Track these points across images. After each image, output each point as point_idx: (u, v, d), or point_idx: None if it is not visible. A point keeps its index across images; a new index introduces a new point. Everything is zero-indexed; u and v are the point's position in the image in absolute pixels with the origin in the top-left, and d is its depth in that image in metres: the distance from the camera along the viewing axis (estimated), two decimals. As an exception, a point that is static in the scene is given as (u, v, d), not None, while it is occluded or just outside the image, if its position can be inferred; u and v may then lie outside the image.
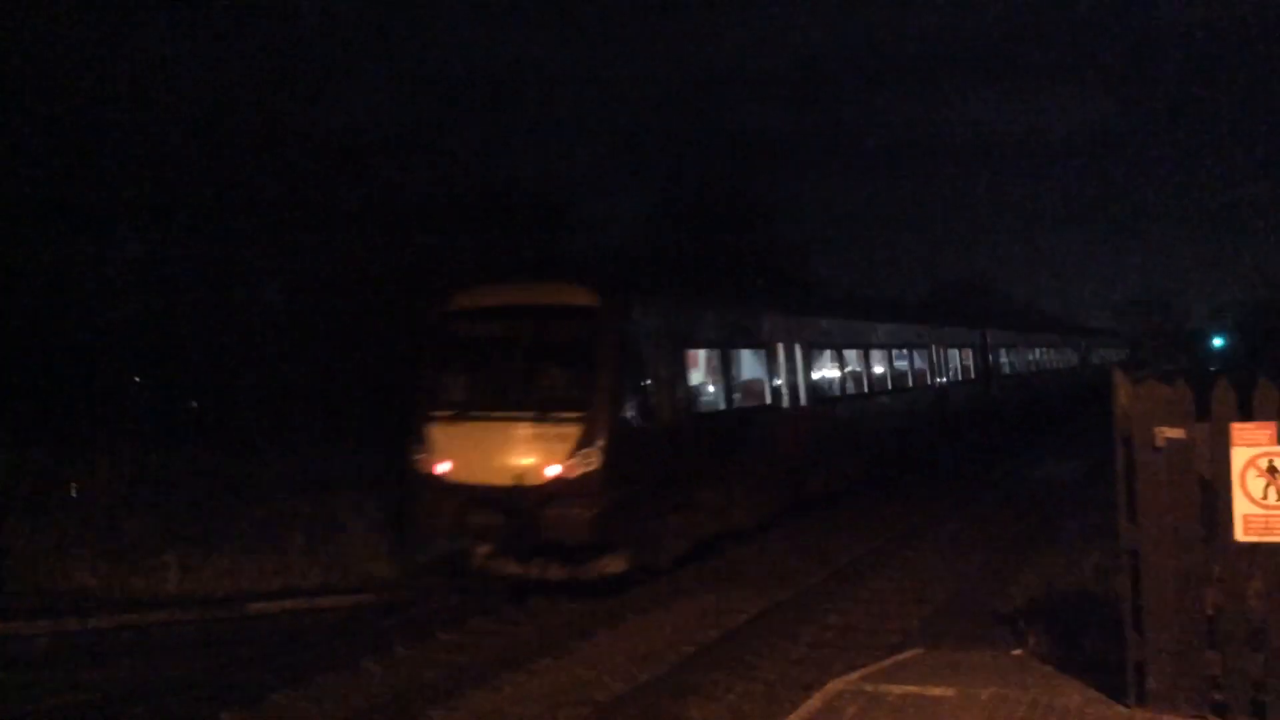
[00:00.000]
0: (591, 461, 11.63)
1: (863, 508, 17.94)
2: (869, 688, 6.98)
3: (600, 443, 11.69)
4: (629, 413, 12.33)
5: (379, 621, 11.62)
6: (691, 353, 14.15)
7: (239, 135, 19.38)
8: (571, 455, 11.60)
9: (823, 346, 18.11)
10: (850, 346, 19.21)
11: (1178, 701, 6.02)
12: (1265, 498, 5.80)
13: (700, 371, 14.73)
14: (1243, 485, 5.86)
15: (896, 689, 6.89)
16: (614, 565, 11.90)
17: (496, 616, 11.55)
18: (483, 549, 12.26)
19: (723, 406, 14.61)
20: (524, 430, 11.89)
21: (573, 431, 11.69)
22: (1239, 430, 5.88)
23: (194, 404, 21.68)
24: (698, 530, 13.44)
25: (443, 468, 12.16)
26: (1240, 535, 5.87)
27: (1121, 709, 6.18)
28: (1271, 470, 5.79)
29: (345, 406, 20.85)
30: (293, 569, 13.84)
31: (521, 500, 11.60)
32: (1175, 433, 6.02)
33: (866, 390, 19.70)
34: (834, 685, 7.15)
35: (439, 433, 12.33)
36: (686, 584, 12.71)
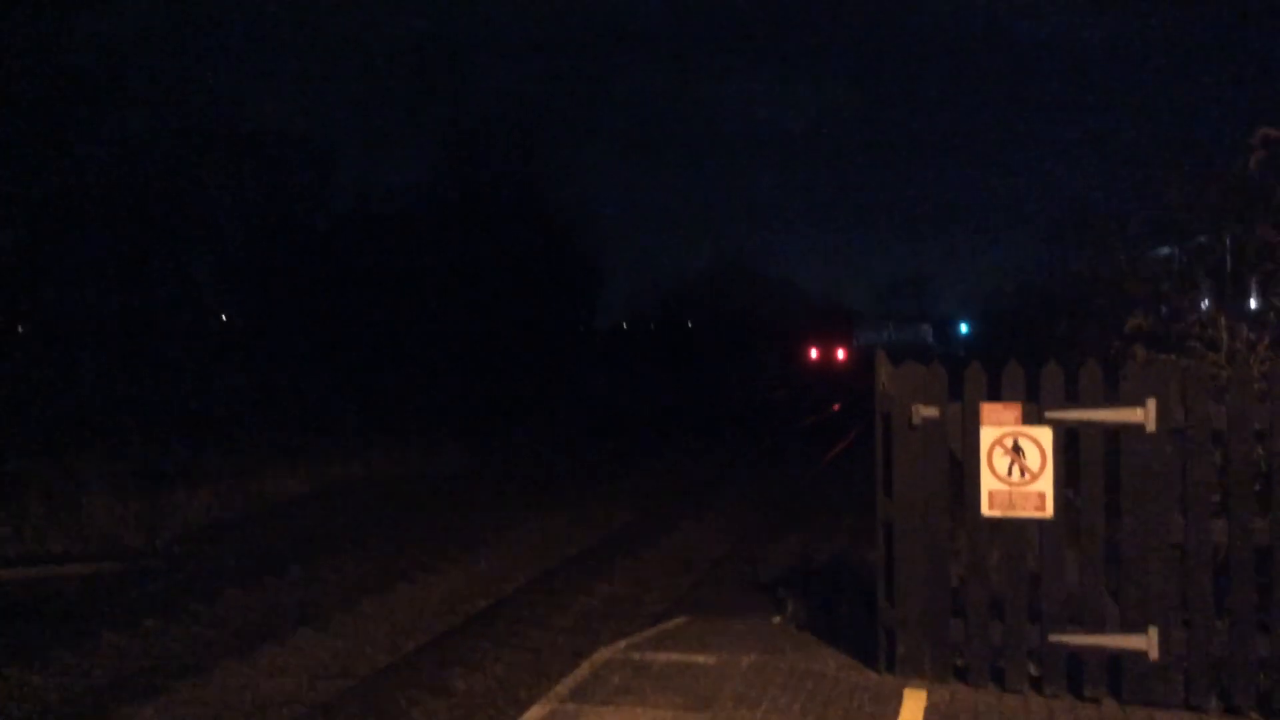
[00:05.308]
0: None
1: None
2: (635, 656, 7.04)
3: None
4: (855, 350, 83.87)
5: (125, 591, 10.92)
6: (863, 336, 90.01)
7: None
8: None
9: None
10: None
11: (924, 667, 6.33)
12: (1010, 475, 6.15)
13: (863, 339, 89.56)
14: (989, 462, 6.19)
15: (662, 657, 6.99)
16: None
17: (255, 586, 11.05)
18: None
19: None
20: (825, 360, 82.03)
21: (843, 355, 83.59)
22: (988, 410, 6.20)
23: None
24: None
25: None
26: (986, 510, 6.20)
27: (873, 674, 6.46)
28: (1016, 449, 6.14)
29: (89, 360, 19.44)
30: (28, 534, 12.85)
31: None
32: (930, 411, 6.30)
33: None
34: (601, 654, 7.18)
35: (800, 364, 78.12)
36: (455, 552, 12.56)
